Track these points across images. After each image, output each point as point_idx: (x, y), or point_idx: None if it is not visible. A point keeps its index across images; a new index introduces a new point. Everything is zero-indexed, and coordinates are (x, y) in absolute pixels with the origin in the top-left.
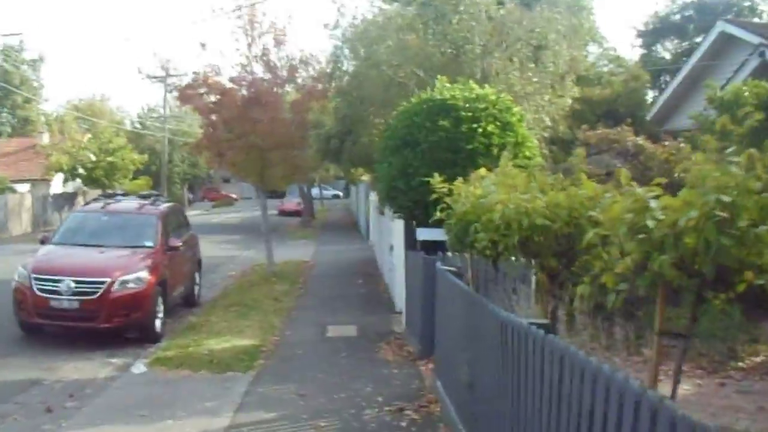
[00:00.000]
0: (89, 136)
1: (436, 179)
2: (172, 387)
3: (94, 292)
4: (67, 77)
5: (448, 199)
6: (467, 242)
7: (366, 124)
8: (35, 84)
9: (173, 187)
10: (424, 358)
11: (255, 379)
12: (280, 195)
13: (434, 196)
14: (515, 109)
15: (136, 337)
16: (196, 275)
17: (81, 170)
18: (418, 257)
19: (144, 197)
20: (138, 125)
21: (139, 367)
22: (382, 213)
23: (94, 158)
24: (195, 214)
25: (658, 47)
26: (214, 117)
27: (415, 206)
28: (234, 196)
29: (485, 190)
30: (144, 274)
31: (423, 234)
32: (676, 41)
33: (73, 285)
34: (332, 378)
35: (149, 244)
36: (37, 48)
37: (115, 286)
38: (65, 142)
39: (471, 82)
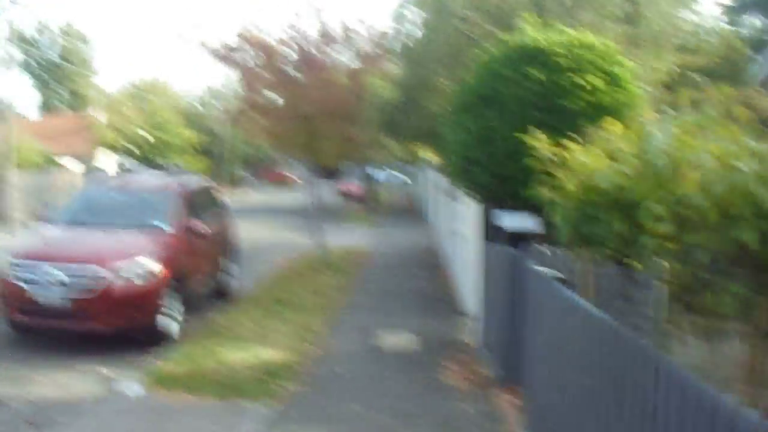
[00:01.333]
0: (143, 115)
1: (539, 138)
2: (166, 420)
3: (88, 285)
4: (130, 59)
5: (559, 172)
6: (594, 235)
7: (432, 90)
8: (92, 64)
9: (230, 166)
10: (505, 386)
11: (275, 415)
12: (336, 176)
13: (528, 166)
14: (627, 63)
15: (145, 339)
16: (231, 265)
17: (132, 147)
18: (501, 253)
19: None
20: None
21: (133, 388)
22: (448, 195)
23: (146, 135)
24: (255, 197)
25: (744, 22)
26: (256, 81)
27: (498, 184)
28: (294, 177)
29: (655, 145)
30: (153, 264)
31: (509, 221)
32: (762, 18)
33: (59, 274)
34: (381, 416)
35: (164, 226)
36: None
37: (115, 278)
38: (117, 119)
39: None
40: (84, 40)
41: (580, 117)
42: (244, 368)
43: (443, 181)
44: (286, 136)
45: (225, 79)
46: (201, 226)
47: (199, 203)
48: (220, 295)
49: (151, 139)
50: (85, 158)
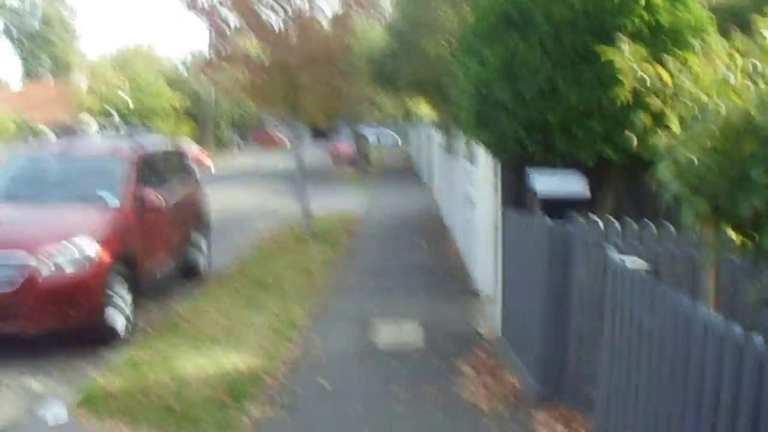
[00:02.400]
0: (123, 78)
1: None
2: None
3: (11, 277)
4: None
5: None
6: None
7: (432, 29)
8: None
9: (216, 129)
10: (544, 404)
11: None
12: (327, 136)
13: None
14: None
15: (88, 338)
16: (201, 241)
17: (114, 113)
18: (536, 226)
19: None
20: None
21: (56, 412)
22: (450, 153)
23: (128, 99)
24: (242, 161)
25: None
26: (224, 24)
27: (530, 133)
28: (284, 139)
29: None
30: (94, 246)
31: (545, 183)
32: None
33: None
34: None
35: (110, 199)
36: None
37: (44, 266)
38: (98, 84)
39: None
40: (66, 5)
41: (634, 41)
42: (200, 383)
43: (443, 138)
44: (264, 90)
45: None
46: (159, 196)
47: (158, 170)
48: (189, 275)
49: (131, 104)
50: (66, 126)
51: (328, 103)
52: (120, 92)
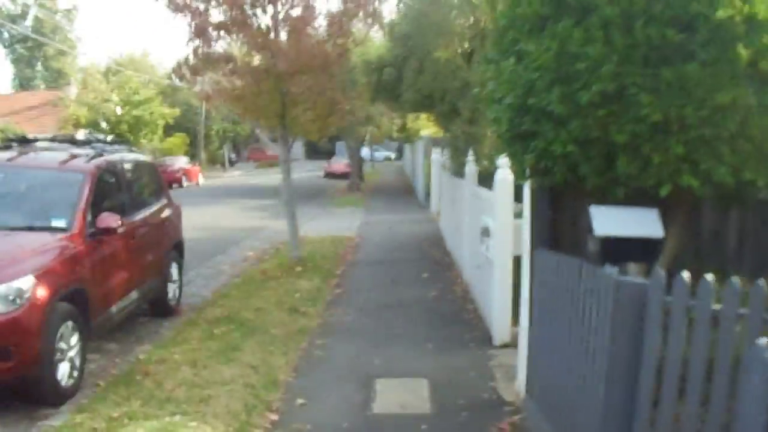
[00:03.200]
0: (113, 87)
1: None
2: None
3: None
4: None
5: None
6: None
7: (442, 32)
8: (70, 35)
9: (210, 145)
10: None
11: None
12: (327, 155)
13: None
14: None
15: (26, 396)
16: (173, 269)
17: (103, 124)
18: (592, 275)
19: (83, 144)
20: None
21: None
22: (456, 173)
23: (118, 111)
24: (233, 176)
25: None
26: (206, 23)
27: (585, 151)
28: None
29: None
30: (27, 280)
31: (609, 221)
32: None
33: None
34: None
35: (57, 222)
36: None
37: None
38: (87, 93)
39: None
40: (62, 12)
41: (727, 36)
42: None
43: (448, 158)
44: (249, 99)
45: None
46: (113, 220)
47: (121, 186)
48: (159, 309)
49: (119, 114)
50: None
51: (322, 117)
52: (110, 103)
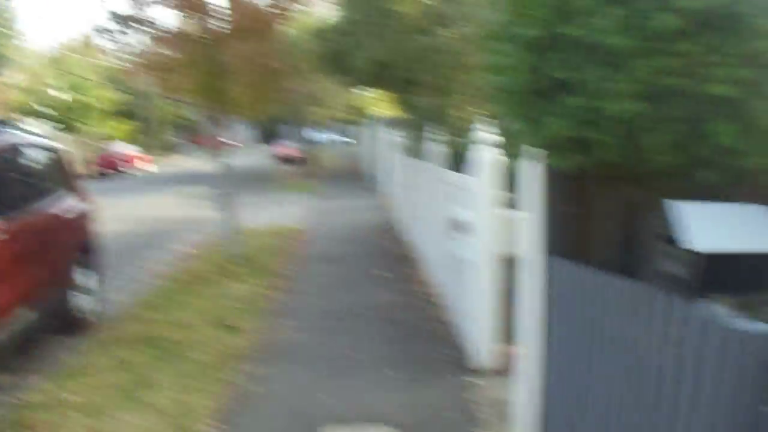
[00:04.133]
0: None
1: None
2: None
3: None
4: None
5: None
6: None
7: None
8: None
9: (158, 131)
10: None
11: None
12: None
13: None
14: None
15: None
16: (87, 277)
17: (46, 111)
18: (687, 317)
19: None
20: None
21: None
22: (417, 156)
23: (63, 97)
24: (177, 164)
25: None
26: None
27: (661, 108)
28: (232, 142)
29: None
30: None
31: (719, 233)
32: None
33: None
34: None
35: None
36: None
37: None
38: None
39: None
40: None
41: None
42: None
43: (409, 140)
44: (174, 70)
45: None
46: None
47: (14, 179)
48: (67, 326)
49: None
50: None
51: (262, 92)
52: (51, 90)
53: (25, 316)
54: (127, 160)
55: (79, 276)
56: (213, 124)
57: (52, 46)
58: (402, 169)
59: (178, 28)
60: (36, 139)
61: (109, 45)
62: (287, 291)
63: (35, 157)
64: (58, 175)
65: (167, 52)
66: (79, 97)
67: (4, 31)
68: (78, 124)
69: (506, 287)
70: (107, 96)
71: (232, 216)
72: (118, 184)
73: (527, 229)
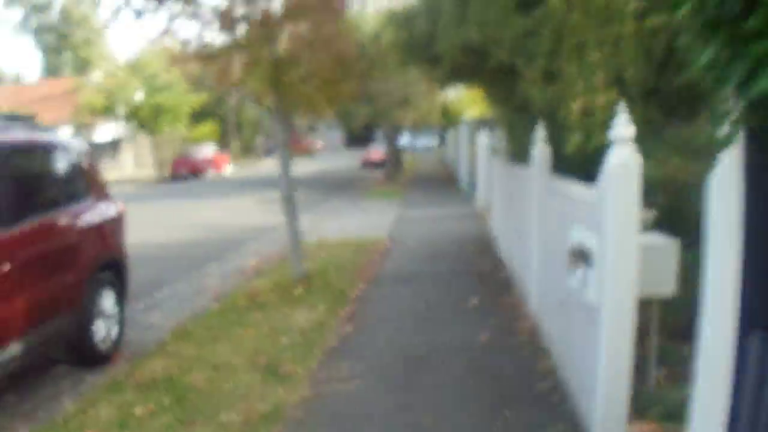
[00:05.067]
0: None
1: None
2: None
3: None
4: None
5: None
6: None
7: None
8: (96, 24)
9: (242, 133)
10: None
11: None
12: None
13: None
14: None
15: None
16: (104, 299)
17: (121, 111)
18: None
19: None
20: None
21: None
22: (517, 160)
23: (138, 97)
24: (267, 166)
25: None
26: None
27: None
28: (318, 145)
29: None
30: None
31: None
32: None
33: None
34: None
35: None
36: None
37: None
38: (107, 80)
39: None
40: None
41: None
42: None
43: (504, 142)
44: (229, 60)
45: None
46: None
47: (10, 183)
48: (79, 359)
49: (138, 100)
50: (80, 126)
51: (330, 81)
52: (129, 89)
53: (19, 348)
54: (205, 163)
55: (98, 298)
56: (281, 123)
57: (136, 48)
58: (498, 176)
59: (222, 6)
60: (49, 137)
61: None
62: (359, 322)
63: (46, 159)
64: (77, 179)
65: (213, 35)
66: (160, 98)
67: (88, 30)
68: (158, 126)
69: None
70: (190, 97)
71: (294, 230)
72: (192, 187)
73: (712, 262)
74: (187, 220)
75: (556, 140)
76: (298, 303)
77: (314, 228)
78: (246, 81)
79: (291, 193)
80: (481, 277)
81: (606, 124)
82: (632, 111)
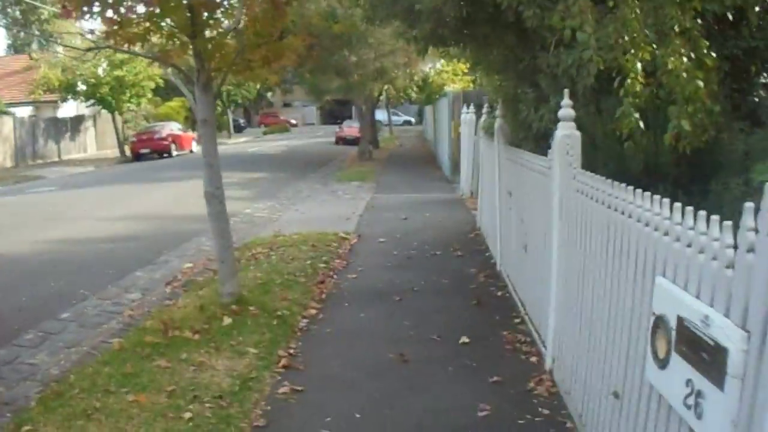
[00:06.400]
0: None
1: None
2: None
3: None
4: None
5: None
6: None
7: None
8: None
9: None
10: None
11: None
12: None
13: None
14: None
15: None
16: None
17: (80, 87)
18: None
19: None
20: None
21: None
22: (519, 142)
23: (99, 72)
24: (237, 143)
25: None
26: None
27: None
28: (293, 121)
29: None
30: None
31: None
32: None
33: None
34: None
35: None
36: None
37: None
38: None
39: None
40: None
41: None
42: None
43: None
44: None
45: None
46: None
47: None
48: None
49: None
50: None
51: (265, 39)
52: (88, 63)
53: None
54: (169, 142)
55: None
56: (202, 92)
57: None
58: (493, 161)
59: None
60: None
61: None
62: (300, 373)
63: None
64: None
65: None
66: (121, 73)
67: (54, 8)
68: (120, 103)
69: None
70: (151, 72)
71: (224, 243)
72: (151, 167)
73: None
74: (132, 208)
75: (593, 122)
76: (222, 341)
77: (273, 217)
78: (149, 32)
79: (216, 187)
80: (471, 294)
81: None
82: None
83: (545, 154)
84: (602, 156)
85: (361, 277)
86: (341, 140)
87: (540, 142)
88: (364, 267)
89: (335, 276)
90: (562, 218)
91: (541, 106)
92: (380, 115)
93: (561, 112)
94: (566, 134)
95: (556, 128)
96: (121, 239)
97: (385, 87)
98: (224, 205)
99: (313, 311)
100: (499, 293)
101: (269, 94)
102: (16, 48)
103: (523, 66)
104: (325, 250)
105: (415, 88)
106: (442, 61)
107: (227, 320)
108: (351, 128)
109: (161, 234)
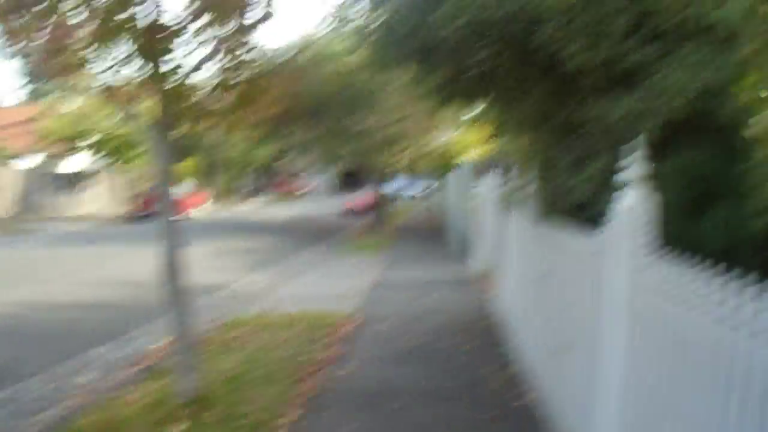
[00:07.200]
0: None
1: None
2: None
3: None
4: None
5: None
6: None
7: None
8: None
9: (226, 173)
10: None
11: None
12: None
13: None
14: None
15: None
16: None
17: (91, 140)
18: None
19: None
20: None
21: None
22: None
23: (116, 128)
24: (242, 209)
25: None
26: None
27: None
28: (306, 188)
29: None
30: None
31: None
32: None
33: None
34: None
35: None
36: None
37: None
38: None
39: None
40: None
41: None
42: None
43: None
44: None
45: None
46: None
47: None
48: None
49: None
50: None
51: (243, 91)
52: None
53: None
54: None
55: None
56: (159, 142)
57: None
58: (518, 237)
59: None
60: None
61: None
62: None
63: None
64: None
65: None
66: (121, 126)
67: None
68: (128, 159)
69: None
70: None
71: (182, 326)
72: (150, 229)
73: None
74: (113, 271)
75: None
76: None
77: (268, 292)
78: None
79: (173, 259)
80: (485, 405)
81: None
82: None
83: (588, 230)
84: (669, 230)
85: (356, 373)
86: (348, 212)
87: (577, 214)
88: (359, 360)
89: (324, 371)
90: (625, 320)
91: (589, 164)
92: (394, 185)
93: (628, 172)
94: (634, 204)
95: (605, 195)
96: (92, 307)
97: (396, 156)
98: (182, 282)
99: (294, 418)
100: (516, 403)
101: (281, 161)
102: (36, 97)
103: (562, 119)
104: (317, 335)
105: (430, 157)
106: (458, 130)
107: (180, 427)
108: (360, 199)
109: (136, 304)
